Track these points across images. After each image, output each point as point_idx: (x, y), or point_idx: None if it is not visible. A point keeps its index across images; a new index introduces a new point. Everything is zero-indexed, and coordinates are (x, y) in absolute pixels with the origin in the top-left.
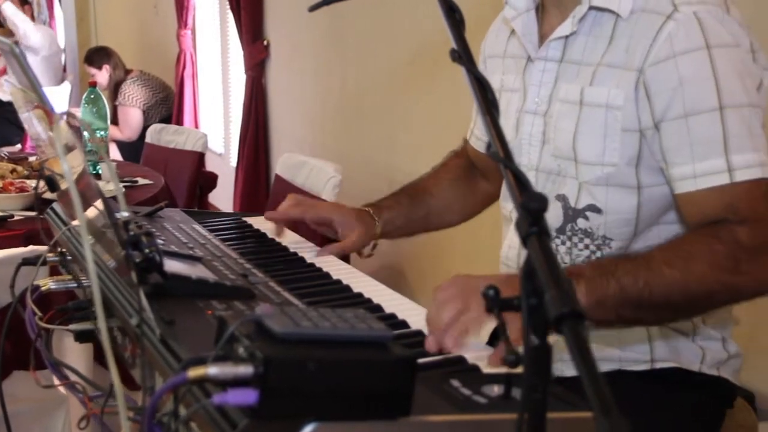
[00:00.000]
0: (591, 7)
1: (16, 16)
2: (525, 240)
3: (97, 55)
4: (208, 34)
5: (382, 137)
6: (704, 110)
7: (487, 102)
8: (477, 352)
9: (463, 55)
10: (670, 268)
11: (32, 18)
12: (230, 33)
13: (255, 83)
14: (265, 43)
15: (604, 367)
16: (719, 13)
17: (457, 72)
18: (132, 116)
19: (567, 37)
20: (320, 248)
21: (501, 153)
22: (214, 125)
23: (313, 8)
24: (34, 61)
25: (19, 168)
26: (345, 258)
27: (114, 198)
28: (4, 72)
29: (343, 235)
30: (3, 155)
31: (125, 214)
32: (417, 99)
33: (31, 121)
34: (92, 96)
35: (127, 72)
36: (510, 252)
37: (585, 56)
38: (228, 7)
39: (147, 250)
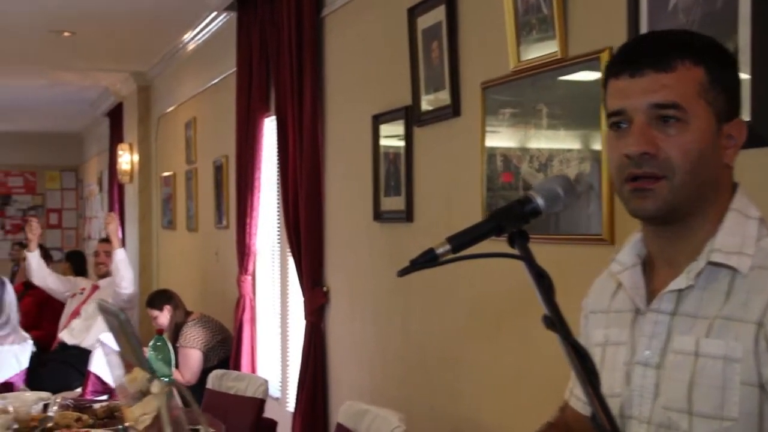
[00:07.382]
0: (709, 263)
1: (124, 264)
2: None
3: (158, 298)
4: (268, 280)
5: (445, 386)
6: None
7: (587, 372)
8: None
9: (556, 321)
10: None
11: None
12: (290, 278)
13: (314, 328)
14: (324, 289)
15: None
16: None
17: (522, 323)
18: (193, 358)
19: (681, 290)
20: None
21: (607, 425)
22: (272, 369)
23: (402, 273)
24: None
25: (85, 417)
26: None
27: None
28: (77, 313)
29: None
30: (68, 404)
31: None
32: (481, 349)
33: (120, 381)
34: (158, 343)
35: (188, 314)
36: None
37: (700, 309)
38: (289, 253)
39: None
